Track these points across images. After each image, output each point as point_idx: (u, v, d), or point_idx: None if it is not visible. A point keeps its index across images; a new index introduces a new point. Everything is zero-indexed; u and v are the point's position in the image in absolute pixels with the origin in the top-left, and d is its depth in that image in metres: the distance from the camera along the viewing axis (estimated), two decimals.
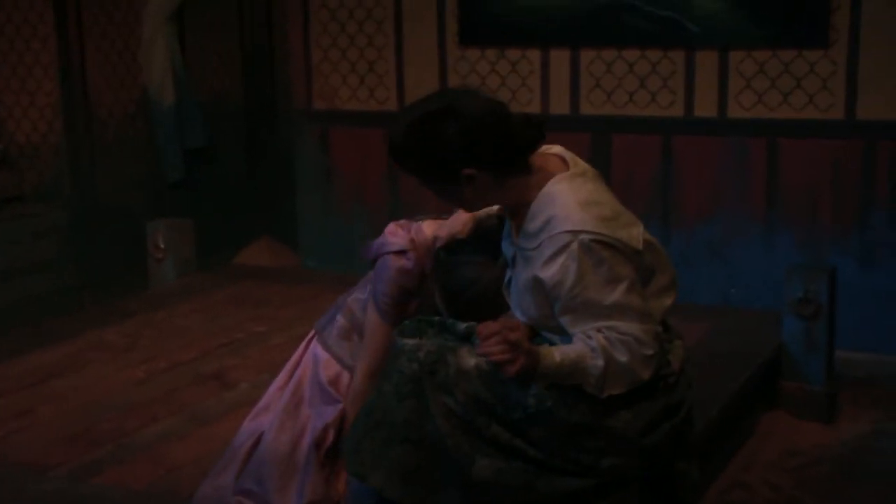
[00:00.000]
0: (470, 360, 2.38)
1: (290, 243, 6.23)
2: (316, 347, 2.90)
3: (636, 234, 2.42)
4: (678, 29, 4.90)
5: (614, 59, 5.08)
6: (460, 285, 2.59)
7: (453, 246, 2.63)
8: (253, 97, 6.75)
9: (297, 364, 2.93)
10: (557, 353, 2.34)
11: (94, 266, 5.63)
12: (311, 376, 2.87)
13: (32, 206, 5.42)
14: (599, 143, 5.10)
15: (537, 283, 2.38)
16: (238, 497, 2.80)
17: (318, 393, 2.83)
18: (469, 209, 2.59)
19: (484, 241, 2.63)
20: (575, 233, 2.34)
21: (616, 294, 2.33)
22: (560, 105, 5.18)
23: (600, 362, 2.31)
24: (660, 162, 5.09)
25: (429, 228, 2.69)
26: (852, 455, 3.92)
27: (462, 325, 2.50)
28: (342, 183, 5.69)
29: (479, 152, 2.40)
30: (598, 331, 2.33)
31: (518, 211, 2.47)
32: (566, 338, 2.39)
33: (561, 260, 2.33)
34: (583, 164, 2.50)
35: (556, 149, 2.55)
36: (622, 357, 2.32)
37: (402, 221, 2.73)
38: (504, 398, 2.35)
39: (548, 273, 2.35)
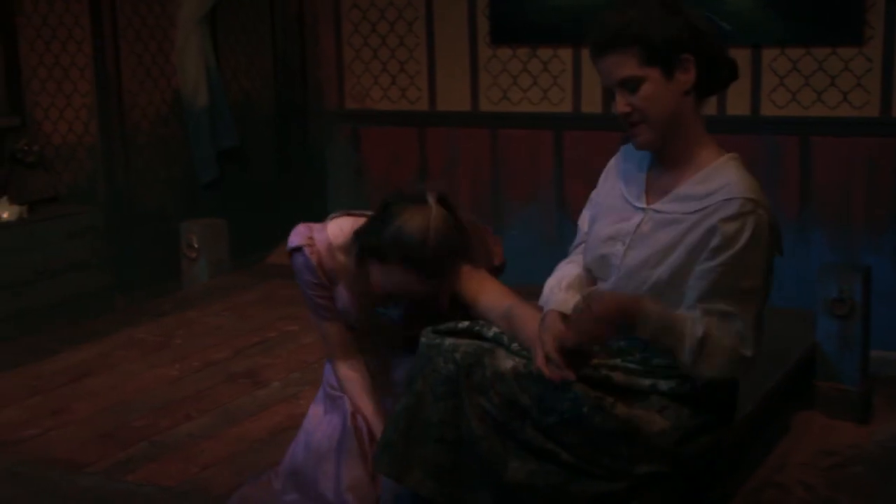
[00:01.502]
0: (507, 363, 2.37)
1: None
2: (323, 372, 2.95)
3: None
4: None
5: None
6: None
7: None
8: (284, 98, 6.79)
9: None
10: (660, 305, 2.32)
11: (128, 266, 5.68)
12: (321, 395, 2.90)
13: (67, 206, 5.47)
14: None
15: (699, 241, 2.32)
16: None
17: (329, 404, 2.85)
18: (650, 126, 2.39)
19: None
20: (758, 203, 2.33)
21: (754, 282, 2.32)
22: (592, 104, 5.16)
23: (700, 332, 2.29)
24: None
25: (335, 226, 2.77)
26: (887, 455, 3.88)
27: (490, 331, 2.49)
28: (373, 182, 5.70)
29: (703, 44, 2.37)
30: (709, 314, 2.30)
31: (673, 163, 2.42)
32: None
33: (739, 223, 2.30)
34: None
35: None
36: (724, 340, 2.30)
37: (315, 223, 2.81)
38: (540, 401, 2.34)
39: (727, 229, 2.30)
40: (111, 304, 5.40)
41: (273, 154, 6.74)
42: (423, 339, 2.46)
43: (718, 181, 2.36)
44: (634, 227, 2.43)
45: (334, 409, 2.81)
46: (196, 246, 5.04)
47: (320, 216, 6.31)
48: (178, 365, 3.99)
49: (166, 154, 6.01)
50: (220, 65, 6.24)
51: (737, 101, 4.93)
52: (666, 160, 2.45)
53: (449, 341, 2.41)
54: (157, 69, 5.95)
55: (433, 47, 5.48)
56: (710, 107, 4.94)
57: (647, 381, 2.37)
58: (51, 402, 3.66)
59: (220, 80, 6.19)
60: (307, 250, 2.75)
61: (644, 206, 2.44)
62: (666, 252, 2.36)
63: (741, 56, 4.87)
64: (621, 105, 2.40)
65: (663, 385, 2.36)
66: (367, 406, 2.76)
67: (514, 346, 2.46)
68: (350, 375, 2.80)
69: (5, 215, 5.06)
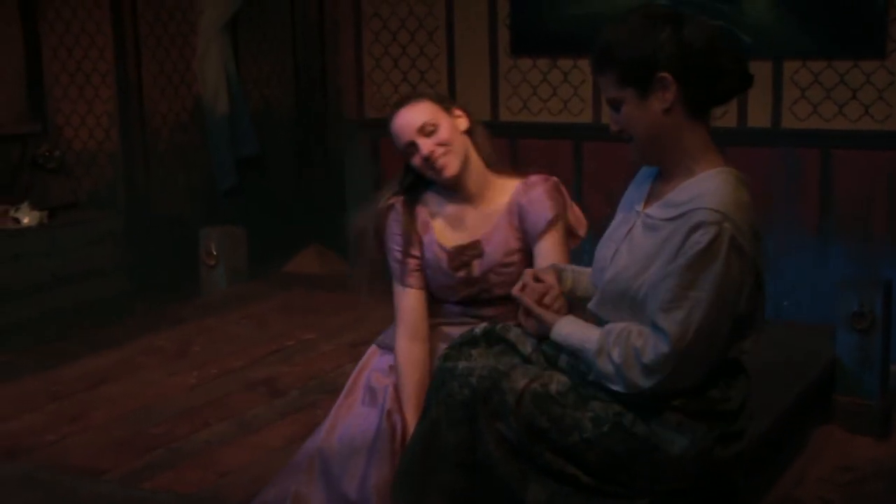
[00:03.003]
0: (523, 383, 2.35)
1: (340, 251, 6.26)
2: (371, 360, 2.94)
3: (762, 266, 2.33)
4: (732, 39, 4.86)
5: None
6: None
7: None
8: (304, 106, 6.80)
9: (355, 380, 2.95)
10: (567, 329, 2.37)
11: (148, 272, 5.70)
12: (364, 383, 2.90)
13: (88, 212, 5.50)
14: None
15: (672, 254, 2.27)
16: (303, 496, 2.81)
17: (368, 395, 2.86)
18: (637, 145, 2.38)
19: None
20: (725, 216, 2.24)
21: (699, 293, 2.22)
22: None
23: (607, 367, 2.29)
24: None
25: None
26: None
27: (512, 332, 2.49)
28: None
29: (687, 61, 2.30)
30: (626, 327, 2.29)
31: (670, 175, 2.39)
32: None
33: (699, 233, 2.23)
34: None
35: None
36: (616, 357, 2.27)
37: None
38: (559, 421, 2.33)
39: (690, 240, 2.24)
40: (130, 310, 5.42)
41: (292, 162, 6.75)
42: (437, 363, 2.48)
43: (697, 191, 2.31)
44: (627, 231, 2.43)
45: (373, 403, 2.82)
46: (215, 253, 5.05)
47: (339, 225, 6.31)
48: (197, 372, 3.99)
49: (186, 161, 6.03)
50: (241, 72, 6.27)
51: (758, 113, 4.92)
52: (664, 171, 2.44)
53: (463, 365, 2.41)
54: (178, 76, 5.98)
55: (453, 57, 5.49)
56: (731, 119, 4.98)
57: (655, 401, 2.35)
58: (69, 409, 3.67)
59: (241, 88, 6.21)
60: (397, 204, 2.87)
61: (640, 209, 2.43)
62: (646, 264, 2.32)
63: (762, 68, 4.86)
64: (612, 123, 2.41)
65: (675, 401, 2.34)
66: (410, 401, 2.76)
67: (531, 352, 2.46)
68: (410, 360, 2.80)
69: (26, 220, 5.09)
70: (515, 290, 2.53)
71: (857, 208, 4.81)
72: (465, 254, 2.81)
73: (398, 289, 2.86)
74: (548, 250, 2.78)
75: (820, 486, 3.70)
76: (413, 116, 2.79)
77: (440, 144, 2.76)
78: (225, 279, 5.05)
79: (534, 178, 2.84)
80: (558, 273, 2.58)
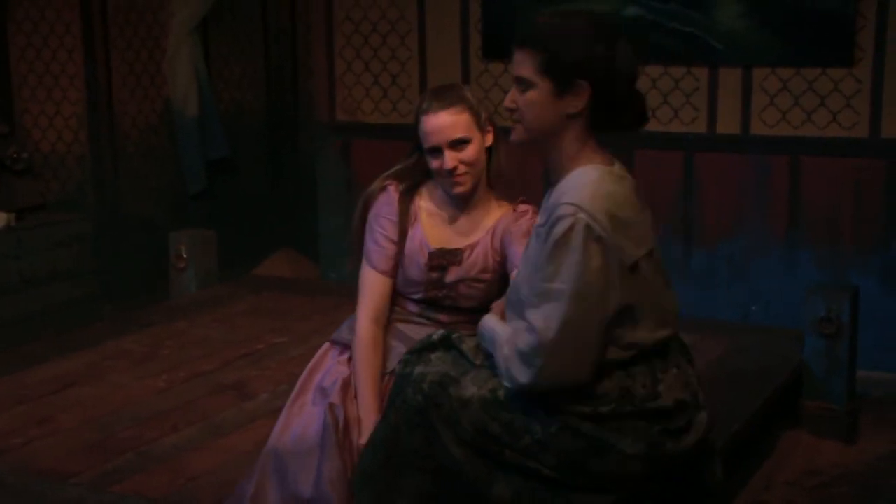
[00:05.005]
0: (472, 390, 2.39)
1: (310, 255, 6.25)
2: (323, 359, 2.96)
3: (635, 253, 2.32)
4: (702, 46, 4.90)
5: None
6: None
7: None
8: (275, 109, 6.79)
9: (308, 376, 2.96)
10: (489, 324, 2.45)
11: (116, 275, 5.66)
12: (315, 384, 2.91)
13: (56, 214, 5.46)
14: (621, 158, 5.08)
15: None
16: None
17: (319, 395, 2.88)
18: (525, 128, 2.42)
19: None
20: (580, 208, 2.27)
21: (562, 285, 2.24)
22: None
23: (492, 349, 2.39)
24: (682, 178, 5.08)
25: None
26: (873, 475, 3.89)
27: (466, 342, 2.51)
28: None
29: (609, 83, 2.35)
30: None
31: (555, 179, 2.42)
32: None
33: (557, 226, 2.27)
34: (625, 172, 2.44)
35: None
36: (503, 354, 2.33)
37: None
38: (509, 425, 2.36)
39: (551, 235, 2.28)
40: (99, 313, 5.39)
41: (263, 165, 6.73)
42: (398, 368, 2.53)
43: (562, 190, 2.35)
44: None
45: (322, 402, 2.83)
46: (185, 256, 5.02)
47: (310, 228, 6.29)
48: (166, 376, 3.97)
49: (155, 163, 5.99)
50: (212, 75, 6.24)
51: (727, 119, 4.96)
52: (551, 174, 2.46)
53: (418, 370, 2.45)
54: (148, 78, 5.94)
55: (425, 61, 5.49)
56: (700, 125, 5.02)
57: (587, 408, 2.36)
58: (37, 412, 3.64)
59: (211, 91, 6.19)
60: (391, 187, 2.87)
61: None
62: (532, 269, 2.37)
63: (732, 75, 4.91)
64: (508, 99, 2.44)
65: (604, 408, 2.36)
66: (367, 382, 2.78)
67: (482, 363, 2.47)
68: (370, 340, 2.81)
69: None
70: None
71: (825, 214, 4.85)
72: (446, 258, 2.83)
73: (368, 270, 2.88)
74: None
75: (787, 491, 3.74)
76: (451, 126, 2.77)
77: (464, 163, 2.77)
78: (195, 282, 5.03)
79: (523, 208, 2.87)
80: None
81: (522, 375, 2.29)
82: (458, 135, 2.76)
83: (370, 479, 2.48)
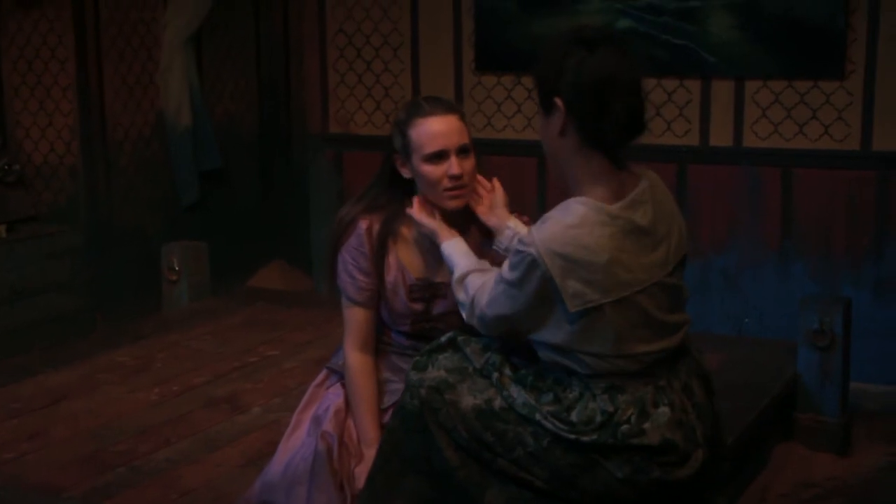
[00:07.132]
0: (468, 399, 2.41)
1: (303, 267, 6.24)
2: (319, 392, 2.93)
3: (594, 298, 2.26)
4: (694, 58, 4.91)
5: None
6: None
7: None
8: (268, 122, 6.78)
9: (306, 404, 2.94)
10: (450, 250, 2.62)
11: (108, 287, 5.64)
12: (310, 416, 2.88)
13: (48, 226, 5.43)
14: None
15: None
16: None
17: (313, 426, 2.84)
18: (548, 147, 2.42)
19: None
20: (534, 243, 2.27)
21: (502, 279, 2.37)
22: None
23: (456, 276, 2.56)
24: (675, 190, 5.08)
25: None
26: (866, 488, 3.89)
27: (471, 345, 2.51)
28: None
29: (576, 95, 2.30)
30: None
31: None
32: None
33: (517, 245, 2.35)
34: (627, 213, 2.35)
35: (651, 176, 2.47)
36: (467, 291, 2.50)
37: None
38: (503, 436, 2.38)
39: None
40: (91, 325, 5.36)
41: (256, 177, 6.71)
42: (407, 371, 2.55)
43: (543, 217, 2.36)
44: None
45: (316, 432, 2.80)
46: (177, 268, 5.02)
47: (303, 240, 6.28)
48: (158, 389, 3.96)
49: (148, 175, 5.98)
50: (204, 87, 6.23)
51: (720, 132, 4.97)
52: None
53: (416, 376, 2.47)
54: (141, 90, 5.93)
55: (418, 73, 5.50)
56: (693, 137, 5.03)
57: (571, 436, 2.35)
58: (28, 426, 3.63)
59: (204, 102, 6.18)
60: (362, 223, 2.74)
61: None
62: None
63: (724, 88, 4.93)
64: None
65: (585, 438, 2.35)
66: (363, 406, 2.74)
67: (483, 365, 2.47)
68: (362, 369, 2.77)
69: None
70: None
71: (817, 226, 4.86)
72: (429, 290, 2.75)
73: (346, 302, 2.81)
74: None
75: (782, 503, 3.73)
76: (458, 131, 2.66)
77: (467, 174, 2.68)
78: (187, 294, 5.02)
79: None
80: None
81: (469, 318, 2.51)
82: (465, 141, 2.67)
83: (369, 482, 2.54)
